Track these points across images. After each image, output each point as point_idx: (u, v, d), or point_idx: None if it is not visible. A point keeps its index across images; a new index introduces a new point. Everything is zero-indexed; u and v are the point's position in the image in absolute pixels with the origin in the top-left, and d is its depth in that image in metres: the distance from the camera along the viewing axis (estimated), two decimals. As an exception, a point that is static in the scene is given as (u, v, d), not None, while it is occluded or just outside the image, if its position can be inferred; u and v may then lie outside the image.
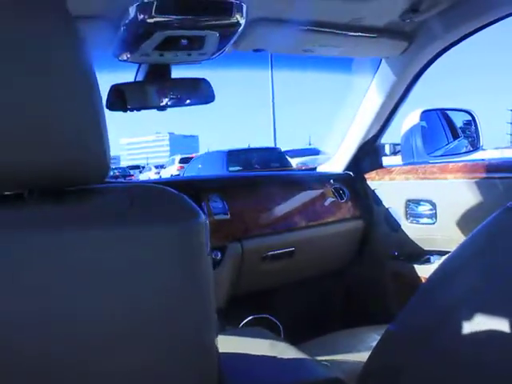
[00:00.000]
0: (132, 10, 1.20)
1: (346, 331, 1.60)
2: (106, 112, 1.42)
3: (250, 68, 2.05)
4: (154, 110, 1.59)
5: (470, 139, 2.08)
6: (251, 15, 1.33)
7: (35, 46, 0.55)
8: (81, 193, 0.63)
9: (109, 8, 1.24)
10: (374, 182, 2.09)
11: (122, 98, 1.47)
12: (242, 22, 1.29)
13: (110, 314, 0.59)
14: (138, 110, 1.52)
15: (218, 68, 1.70)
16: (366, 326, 1.58)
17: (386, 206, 2.05)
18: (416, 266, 1.93)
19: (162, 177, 16.95)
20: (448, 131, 2.13)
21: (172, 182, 2.02)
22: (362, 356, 0.93)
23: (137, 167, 28.65)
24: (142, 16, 1.19)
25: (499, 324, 0.66)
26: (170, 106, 1.55)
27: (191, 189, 1.71)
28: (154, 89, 1.54)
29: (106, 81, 1.51)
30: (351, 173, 2.15)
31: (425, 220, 1.91)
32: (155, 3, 1.18)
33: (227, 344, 0.98)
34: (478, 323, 0.68)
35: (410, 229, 1.97)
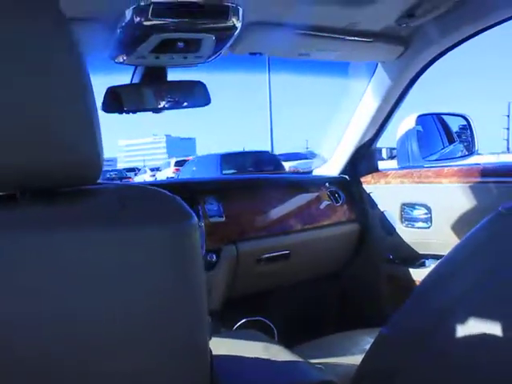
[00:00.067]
0: (128, 13, 1.20)
1: (340, 334, 1.60)
2: (104, 114, 1.43)
3: (247, 71, 2.06)
4: (151, 113, 1.59)
5: (465, 144, 2.09)
6: (247, 18, 1.34)
7: (26, 47, 0.55)
8: (73, 194, 0.63)
9: (105, 10, 1.24)
10: (370, 185, 2.09)
11: (118, 100, 1.47)
12: (239, 25, 1.29)
13: (102, 315, 0.59)
14: (134, 112, 1.52)
15: (214, 71, 1.70)
16: (361, 328, 1.59)
17: (382, 210, 2.05)
18: (411, 269, 1.93)
19: (158, 179, 16.95)
20: (443, 136, 2.13)
21: (167, 185, 2.02)
22: (356, 359, 0.94)
23: (133, 170, 28.58)
24: (138, 19, 1.19)
25: (492, 327, 0.66)
26: (166, 109, 1.55)
27: (186, 191, 1.72)
28: (150, 91, 1.54)
29: (102, 83, 1.51)
30: (347, 176, 2.16)
31: (420, 224, 1.92)
32: (152, 6, 1.18)
33: (221, 346, 0.98)
34: (472, 326, 0.68)
35: (405, 232, 1.97)
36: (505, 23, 1.48)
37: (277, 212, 1.89)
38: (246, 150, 15.64)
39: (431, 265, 1.89)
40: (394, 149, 2.11)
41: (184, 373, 0.65)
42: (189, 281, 0.63)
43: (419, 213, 1.92)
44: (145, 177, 21.99)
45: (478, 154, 2.16)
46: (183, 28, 1.26)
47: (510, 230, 0.72)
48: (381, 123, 2.00)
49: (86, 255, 0.58)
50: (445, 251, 0.83)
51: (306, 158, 15.46)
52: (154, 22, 1.21)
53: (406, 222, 1.96)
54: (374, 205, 2.07)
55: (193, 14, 1.23)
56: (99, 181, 0.64)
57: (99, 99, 1.42)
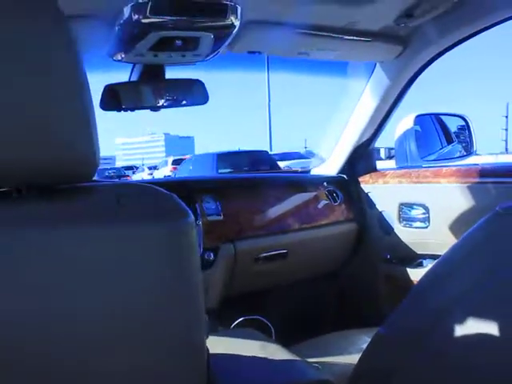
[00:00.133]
0: (127, 11, 1.20)
1: (337, 333, 1.61)
2: (102, 112, 1.43)
3: (245, 70, 2.05)
4: (149, 111, 1.59)
5: (463, 144, 2.09)
6: (246, 17, 1.34)
7: (24, 46, 0.55)
8: (70, 191, 0.63)
9: (103, 8, 1.24)
10: (368, 185, 2.09)
11: (116, 98, 1.47)
12: (237, 23, 1.29)
13: (99, 311, 0.59)
14: (132, 110, 1.52)
15: (212, 69, 1.70)
16: (358, 328, 1.59)
17: (380, 210, 2.05)
18: (408, 269, 1.93)
19: (155, 178, 16.99)
20: (442, 136, 2.14)
21: (165, 183, 2.02)
22: (353, 358, 0.94)
23: (131, 168, 28.51)
24: (136, 16, 1.19)
25: (490, 327, 0.66)
26: (164, 107, 1.55)
27: (184, 189, 1.71)
28: (148, 89, 1.54)
29: (100, 80, 1.51)
30: (345, 176, 2.16)
31: (418, 224, 1.92)
32: (150, 4, 1.18)
33: (218, 345, 0.98)
34: (469, 326, 0.68)
35: (403, 232, 1.97)
36: (503, 24, 1.49)
37: (275, 211, 1.89)
38: (242, 149, 15.73)
39: (429, 265, 1.89)
40: (392, 149, 2.12)
41: (181, 371, 0.65)
42: (186, 279, 0.63)
43: (417, 213, 1.92)
44: (143, 175, 21.95)
45: (477, 154, 2.16)
46: (181, 26, 1.26)
47: (507, 229, 0.72)
48: (379, 123, 2.00)
49: (84, 252, 0.57)
50: (442, 251, 0.83)
51: (300, 158, 15.67)
52: (153, 20, 1.21)
53: (404, 222, 1.97)
54: (372, 204, 2.08)
55: (191, 12, 1.23)
56: (97, 179, 0.64)
57: (97, 97, 1.42)
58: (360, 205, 2.11)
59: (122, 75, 1.56)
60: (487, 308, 0.69)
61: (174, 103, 1.56)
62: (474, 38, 1.59)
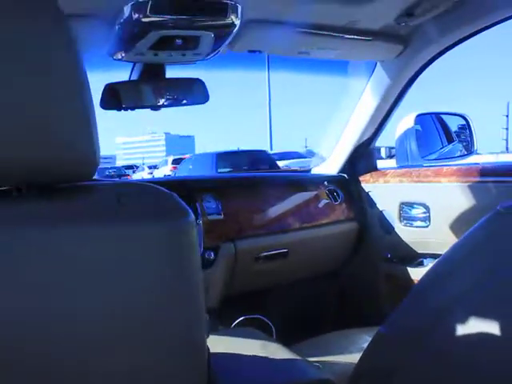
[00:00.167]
0: (127, 10, 1.20)
1: (337, 332, 1.61)
2: (102, 112, 1.42)
3: (246, 69, 2.05)
4: (150, 110, 1.59)
5: (464, 143, 2.09)
6: (246, 16, 1.33)
7: (25, 46, 0.55)
8: (70, 190, 0.63)
9: (104, 7, 1.24)
10: (369, 184, 2.09)
11: (116, 97, 1.47)
12: (237, 22, 1.29)
13: (99, 311, 0.59)
14: (133, 109, 1.52)
15: (213, 68, 1.70)
16: (359, 327, 1.59)
17: (380, 209, 2.05)
18: (409, 268, 1.93)
19: (155, 177, 17.03)
20: (442, 135, 2.14)
21: (165, 182, 2.02)
22: (354, 357, 0.94)
23: (131, 167, 28.48)
24: (136, 15, 1.19)
25: (491, 326, 0.66)
26: (164, 106, 1.55)
27: (184, 189, 1.71)
28: (148, 88, 1.54)
29: (100, 79, 1.51)
30: (346, 175, 2.16)
31: (418, 223, 1.92)
32: (150, 3, 1.18)
33: (219, 344, 0.98)
34: (470, 325, 0.68)
35: (404, 231, 1.97)
36: (502, 23, 1.48)
37: (275, 210, 1.89)
38: (241, 149, 15.85)
39: (429, 264, 1.89)
40: (392, 148, 2.11)
41: (181, 370, 0.65)
42: (186, 278, 0.63)
43: (418, 212, 1.92)
44: (143, 174, 21.94)
45: (477, 153, 2.16)
46: (182, 25, 1.26)
47: (508, 228, 0.72)
48: (380, 122, 2.00)
49: (84, 251, 0.57)
50: (443, 250, 0.83)
51: (299, 157, 15.80)
52: (153, 19, 1.21)
53: (405, 221, 1.96)
54: (372, 204, 2.07)
55: (191, 10, 1.23)
56: (97, 178, 0.64)
57: (97, 96, 1.42)
58: (360, 204, 2.11)
59: (122, 74, 1.56)
60: (488, 307, 0.69)
61: (175, 102, 1.56)
62: (475, 37, 1.59)
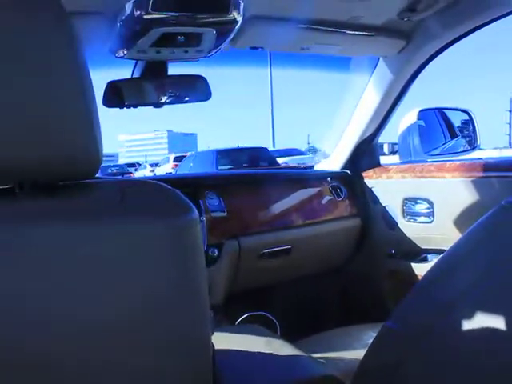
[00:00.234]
0: (128, 7, 1.20)
1: (342, 329, 1.61)
2: (104, 109, 1.42)
3: (248, 66, 2.05)
4: (152, 108, 1.59)
5: (467, 138, 2.09)
6: (248, 12, 1.33)
7: (27, 43, 0.55)
8: (72, 187, 0.63)
9: (105, 4, 1.24)
10: (372, 180, 2.09)
11: (118, 95, 1.47)
12: (239, 19, 1.29)
13: (101, 309, 0.59)
14: (135, 106, 1.52)
15: (215, 66, 1.70)
16: (363, 323, 1.59)
17: (384, 205, 2.05)
18: (413, 264, 1.93)
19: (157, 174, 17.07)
20: (446, 130, 2.13)
21: (168, 179, 2.02)
22: (358, 354, 0.93)
23: (133, 165, 28.46)
24: (138, 12, 1.19)
25: (497, 320, 0.66)
26: (167, 103, 1.55)
27: (188, 186, 1.72)
28: (150, 86, 1.54)
29: (102, 77, 1.51)
30: (349, 171, 2.15)
31: (422, 218, 1.91)
32: (152, 0, 1.18)
33: (223, 341, 0.98)
34: (476, 319, 0.68)
35: (407, 227, 1.97)
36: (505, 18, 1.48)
37: (278, 207, 1.89)
38: (241, 146, 15.96)
39: (433, 259, 1.89)
40: (395, 144, 2.11)
41: (186, 367, 0.65)
42: (190, 275, 0.63)
43: (421, 207, 1.91)
44: (145, 172, 21.92)
45: (480, 148, 2.15)
46: (184, 22, 1.26)
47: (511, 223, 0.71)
48: (382, 118, 2.00)
49: (86, 248, 0.57)
50: (447, 246, 0.83)
51: (299, 154, 16.01)
52: (154, 16, 1.20)
53: (408, 217, 1.96)
54: (375, 199, 2.07)
55: (193, 7, 1.23)
56: (100, 176, 0.64)
57: (100, 94, 1.42)
58: (364, 200, 2.11)
59: (124, 72, 1.56)
60: (493, 301, 0.69)
61: (177, 99, 1.56)
62: (477, 32, 1.58)
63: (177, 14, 1.22)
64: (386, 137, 2.20)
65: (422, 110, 1.98)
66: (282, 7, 1.39)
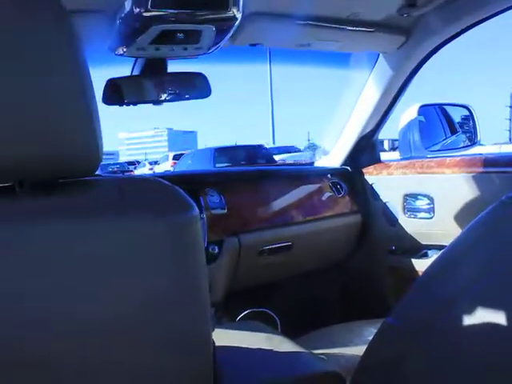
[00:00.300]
0: (128, 4, 1.20)
1: (342, 325, 1.61)
2: (104, 106, 1.42)
3: (248, 63, 2.05)
4: (152, 106, 1.59)
5: (467, 134, 2.09)
6: (248, 9, 1.33)
7: (26, 41, 0.55)
8: (72, 185, 0.63)
9: (105, 2, 1.24)
10: (372, 176, 2.09)
11: (118, 92, 1.47)
12: (239, 16, 1.28)
13: (101, 306, 0.59)
14: (135, 104, 1.52)
15: (215, 62, 1.69)
16: (363, 319, 1.59)
17: (384, 201, 2.05)
18: (414, 260, 1.93)
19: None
20: (446, 126, 2.13)
21: (169, 177, 2.02)
22: (359, 349, 0.94)
23: (133, 163, 28.46)
24: (137, 10, 1.19)
25: (497, 315, 0.66)
26: (167, 101, 1.54)
27: (188, 183, 1.71)
28: (150, 83, 1.54)
29: (102, 75, 1.50)
30: (349, 167, 2.15)
31: (422, 214, 1.91)
32: None
33: (224, 337, 0.98)
34: (477, 314, 0.68)
35: (408, 223, 1.97)
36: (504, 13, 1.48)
37: (279, 203, 1.89)
38: (239, 144, 16.11)
39: (434, 255, 1.89)
40: (396, 140, 2.11)
41: (186, 364, 0.65)
42: (190, 272, 0.63)
43: (422, 203, 1.91)
44: (144, 170, 21.91)
45: (481, 144, 2.15)
46: (183, 19, 1.26)
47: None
48: (382, 114, 2.00)
49: (86, 246, 0.57)
50: (447, 241, 0.83)
51: (295, 152, 16.26)
52: (154, 13, 1.20)
53: (409, 213, 1.96)
54: (376, 196, 2.07)
55: (192, 4, 1.23)
56: (101, 174, 0.64)
57: (99, 92, 1.42)
58: (364, 196, 2.11)
59: (124, 69, 1.56)
60: (493, 296, 0.69)
61: (177, 97, 1.55)
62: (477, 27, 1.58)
63: (176, 11, 1.22)
64: (387, 133, 2.19)
65: (422, 106, 1.98)
66: (281, 4, 1.39)
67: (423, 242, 1.94)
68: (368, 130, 2.05)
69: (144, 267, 0.60)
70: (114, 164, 26.42)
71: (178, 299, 0.62)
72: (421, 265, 1.89)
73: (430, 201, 1.87)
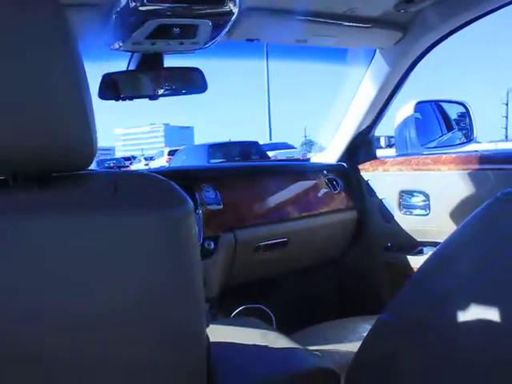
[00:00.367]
0: None
1: (337, 321, 1.61)
2: (100, 101, 1.42)
3: (244, 58, 2.04)
4: (149, 102, 1.58)
5: (463, 131, 2.09)
6: (244, 4, 1.32)
7: (21, 36, 0.54)
8: (66, 179, 0.63)
9: None
10: (368, 173, 2.09)
11: (114, 87, 1.46)
12: (235, 10, 1.28)
13: (95, 301, 0.59)
14: (131, 99, 1.51)
15: (212, 57, 1.69)
16: (358, 316, 1.59)
17: (380, 197, 2.05)
18: (409, 256, 1.93)
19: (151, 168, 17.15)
20: (442, 123, 2.13)
21: (164, 172, 2.01)
22: (354, 346, 0.94)
23: (128, 159, 28.41)
24: (133, 4, 1.18)
25: (491, 310, 0.66)
26: (163, 95, 1.54)
27: (184, 178, 1.71)
28: (146, 78, 1.54)
29: (98, 70, 1.50)
30: (345, 164, 2.15)
31: (418, 211, 1.92)
32: None
33: (219, 333, 0.98)
34: (471, 310, 0.68)
35: (404, 220, 1.97)
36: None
37: (275, 199, 1.89)
38: (232, 140, 16.22)
39: (429, 252, 1.89)
40: (392, 137, 2.11)
41: (180, 359, 0.65)
42: (184, 267, 0.63)
43: (417, 200, 1.91)
44: (139, 166, 21.86)
45: (477, 141, 2.15)
46: (179, 13, 1.25)
47: (507, 214, 0.72)
48: (379, 110, 2.00)
49: (79, 240, 0.57)
50: (443, 238, 0.83)
51: (287, 148, 16.92)
52: (150, 7, 1.19)
53: (404, 210, 1.96)
54: (372, 192, 2.07)
55: None
56: (96, 168, 0.64)
57: (95, 86, 1.41)
58: (360, 193, 2.11)
59: (120, 64, 1.55)
60: (488, 292, 0.69)
61: (173, 92, 1.55)
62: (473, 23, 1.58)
63: (172, 5, 1.21)
64: (383, 130, 2.19)
65: (419, 103, 1.98)
66: None
67: (419, 239, 1.94)
68: (364, 127, 2.05)
69: (138, 261, 0.60)
70: (110, 159, 26.34)
71: (173, 293, 0.62)
72: (416, 261, 1.89)
73: (426, 197, 1.87)
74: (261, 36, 1.56)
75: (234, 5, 1.26)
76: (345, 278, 2.20)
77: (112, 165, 22.16)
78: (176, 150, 17.28)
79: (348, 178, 2.12)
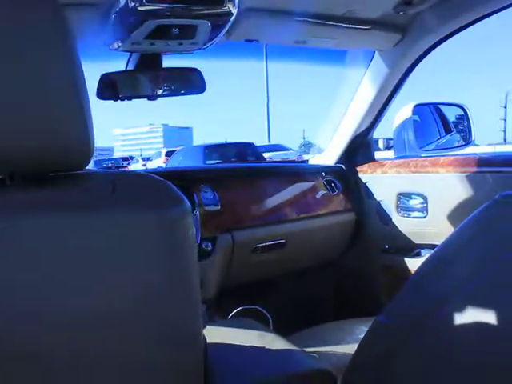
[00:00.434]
0: None
1: (334, 323, 1.61)
2: (98, 101, 1.41)
3: (244, 59, 2.04)
4: (147, 102, 1.58)
5: (462, 134, 2.09)
6: (243, 5, 1.32)
7: (20, 36, 0.54)
8: (63, 178, 0.63)
9: None
10: (366, 175, 2.09)
11: (112, 87, 1.46)
12: (234, 11, 1.28)
13: (91, 301, 0.59)
14: (129, 99, 1.51)
15: (210, 58, 1.69)
16: (356, 318, 1.59)
17: (378, 199, 2.05)
18: (406, 259, 1.93)
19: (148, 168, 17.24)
20: (440, 125, 2.14)
21: (162, 173, 2.01)
22: (351, 348, 0.94)
23: (126, 159, 28.42)
24: (132, 4, 1.18)
25: (489, 313, 0.66)
26: (161, 96, 1.54)
27: (182, 179, 1.71)
28: (145, 78, 1.54)
29: (96, 70, 1.49)
30: (343, 166, 2.15)
31: (416, 213, 1.92)
32: None
33: (216, 335, 0.98)
34: (468, 313, 0.68)
35: (401, 222, 1.97)
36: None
37: (273, 201, 1.89)
38: (228, 141, 16.34)
39: (427, 254, 1.89)
40: (390, 139, 2.11)
41: (177, 359, 0.65)
42: (181, 267, 0.63)
43: (415, 202, 1.92)
44: (137, 166, 21.91)
45: (475, 144, 2.16)
46: (178, 14, 1.25)
47: (505, 217, 0.72)
48: (378, 112, 2.00)
49: (77, 240, 0.57)
50: (440, 241, 0.83)
51: (283, 150, 17.12)
52: (149, 8, 1.19)
53: (402, 212, 1.96)
54: (370, 194, 2.07)
55: None
56: (94, 168, 0.64)
57: (93, 86, 1.41)
58: (358, 195, 2.11)
59: (118, 64, 1.55)
60: (485, 295, 0.69)
61: (171, 92, 1.55)
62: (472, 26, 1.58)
63: (171, 5, 1.21)
64: (381, 132, 2.19)
65: (417, 105, 1.98)
66: (277, 0, 1.39)
67: (416, 241, 1.94)
68: (363, 129, 2.05)
69: (135, 261, 0.59)
70: (108, 160, 26.34)
71: (169, 293, 0.62)
72: (414, 264, 1.89)
73: (424, 200, 1.87)
74: (260, 37, 1.56)
75: (233, 5, 1.26)
76: (342, 280, 2.20)
77: (110, 165, 22.16)
78: (173, 151, 17.35)
79: (346, 179, 2.12)
